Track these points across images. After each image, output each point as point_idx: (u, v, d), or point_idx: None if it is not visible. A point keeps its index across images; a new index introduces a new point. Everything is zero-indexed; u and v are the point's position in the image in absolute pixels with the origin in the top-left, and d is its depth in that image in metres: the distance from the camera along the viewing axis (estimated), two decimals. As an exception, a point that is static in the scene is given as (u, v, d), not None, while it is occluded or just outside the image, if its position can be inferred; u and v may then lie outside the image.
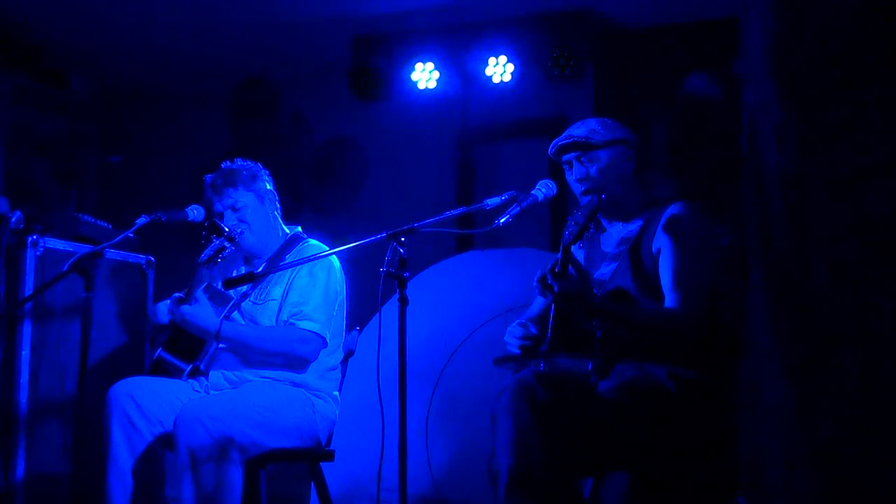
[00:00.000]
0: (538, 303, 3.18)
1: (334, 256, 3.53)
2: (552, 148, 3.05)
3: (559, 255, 2.73)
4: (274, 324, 3.49)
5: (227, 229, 3.41)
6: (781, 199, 1.31)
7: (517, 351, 2.94)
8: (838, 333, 1.22)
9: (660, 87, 5.38)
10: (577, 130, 3.01)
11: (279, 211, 3.70)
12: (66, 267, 3.24)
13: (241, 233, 3.53)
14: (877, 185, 1.22)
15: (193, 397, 3.38)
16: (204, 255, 3.37)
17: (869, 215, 1.23)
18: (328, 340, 3.47)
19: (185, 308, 3.32)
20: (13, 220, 3.69)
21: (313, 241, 3.63)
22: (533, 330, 2.92)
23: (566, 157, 3.03)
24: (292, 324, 3.42)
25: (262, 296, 3.56)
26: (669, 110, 5.37)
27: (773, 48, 1.39)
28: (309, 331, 3.41)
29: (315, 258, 3.41)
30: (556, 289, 2.65)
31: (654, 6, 5.27)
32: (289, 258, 3.54)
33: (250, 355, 3.47)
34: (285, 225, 3.73)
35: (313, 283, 3.46)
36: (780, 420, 1.31)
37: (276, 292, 3.52)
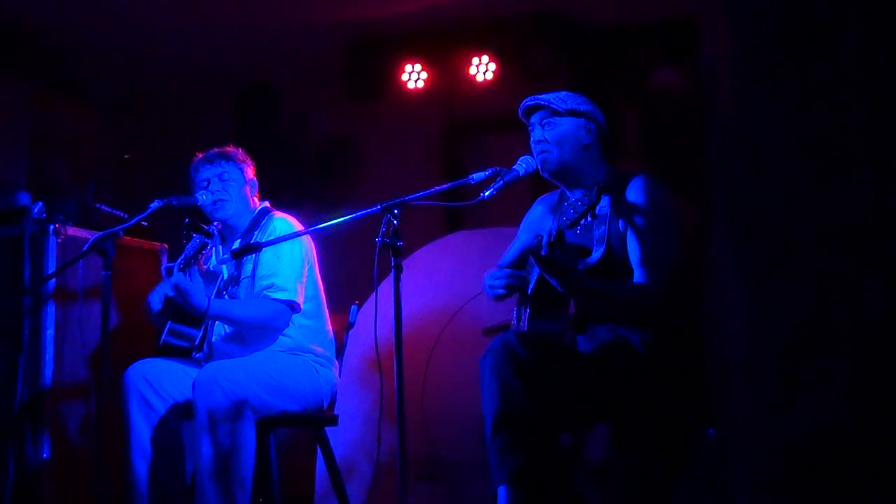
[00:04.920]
0: (512, 252, 3.21)
1: (298, 228, 3.53)
2: (521, 108, 3.04)
3: (553, 236, 2.72)
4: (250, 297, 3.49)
5: (207, 228, 3.37)
6: (736, 124, 1.32)
7: (502, 291, 2.95)
8: (791, 241, 1.23)
9: (628, 81, 5.41)
10: (546, 95, 3.00)
11: (255, 197, 3.69)
12: (85, 247, 3.23)
13: (223, 200, 3.54)
14: (823, 104, 1.24)
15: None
16: (189, 252, 3.32)
17: (817, 131, 1.24)
18: (301, 305, 3.46)
19: (181, 277, 3.27)
20: (35, 210, 3.68)
21: (278, 216, 3.61)
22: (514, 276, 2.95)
23: (531, 118, 3.02)
24: (266, 296, 3.41)
25: (238, 274, 3.56)
26: (637, 101, 5.40)
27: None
28: (281, 301, 3.40)
29: (303, 234, 3.42)
30: (547, 266, 2.64)
31: (620, 7, 5.29)
32: (258, 232, 3.53)
33: (237, 328, 3.49)
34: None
35: (278, 256, 3.44)
36: (743, 331, 1.32)
37: (247, 269, 3.52)
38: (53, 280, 3.64)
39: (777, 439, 1.25)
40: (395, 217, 2.74)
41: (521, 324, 2.96)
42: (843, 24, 1.24)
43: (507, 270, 2.98)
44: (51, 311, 3.66)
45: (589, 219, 2.71)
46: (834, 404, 1.22)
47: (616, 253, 2.85)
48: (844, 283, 1.21)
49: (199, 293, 3.29)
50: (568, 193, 3.07)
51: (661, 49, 5.35)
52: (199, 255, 3.33)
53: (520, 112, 3.05)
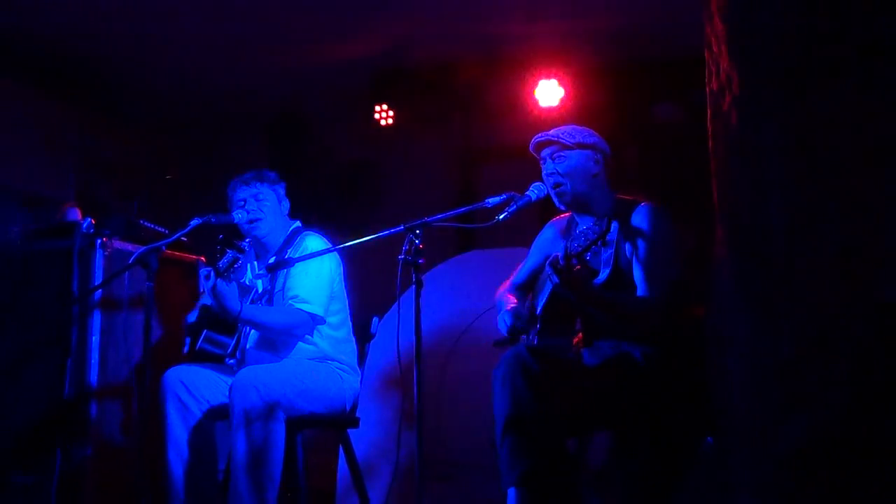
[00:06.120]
0: (524, 272, 3.22)
1: (327, 245, 3.55)
2: (532, 144, 3.05)
3: (568, 257, 2.72)
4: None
5: (239, 244, 3.38)
6: (741, 159, 1.33)
7: (506, 332, 2.97)
8: (793, 269, 1.24)
9: (630, 114, 5.43)
10: (555, 131, 3.02)
11: (287, 216, 3.71)
12: (130, 260, 3.26)
13: (258, 219, 3.56)
14: (823, 139, 1.25)
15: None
16: (222, 265, 3.31)
17: (817, 164, 1.25)
18: (327, 318, 3.47)
19: (220, 282, 3.27)
20: (84, 225, 3.71)
21: (311, 234, 3.63)
22: (521, 320, 2.95)
23: (542, 153, 3.04)
24: (290, 305, 3.42)
25: (272, 288, 3.57)
26: (638, 134, 5.41)
27: (732, 34, 1.41)
28: (304, 311, 3.41)
29: (330, 251, 3.44)
30: (564, 275, 2.65)
31: (623, 45, 5.31)
32: (290, 249, 3.55)
33: (265, 333, 3.50)
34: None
35: (306, 271, 3.44)
36: (745, 347, 1.33)
37: (279, 283, 3.53)
38: (100, 290, 3.66)
39: (777, 448, 1.25)
40: (416, 237, 2.76)
41: (531, 337, 2.97)
42: (842, 64, 1.25)
43: (513, 314, 2.97)
44: (97, 318, 3.68)
45: (599, 245, 2.72)
46: (832, 415, 1.22)
47: (622, 274, 2.87)
48: (842, 303, 1.22)
49: (234, 298, 3.30)
50: (577, 219, 3.08)
51: (662, 85, 5.37)
52: (231, 270, 3.35)
53: (531, 147, 3.07)
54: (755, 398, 1.32)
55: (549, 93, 5.37)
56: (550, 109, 5.33)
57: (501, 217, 2.83)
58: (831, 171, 1.23)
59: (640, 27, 5.04)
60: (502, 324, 3.01)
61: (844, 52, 1.24)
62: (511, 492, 2.59)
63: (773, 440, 1.27)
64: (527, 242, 3.38)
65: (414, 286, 2.76)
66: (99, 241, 3.70)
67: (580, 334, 3.00)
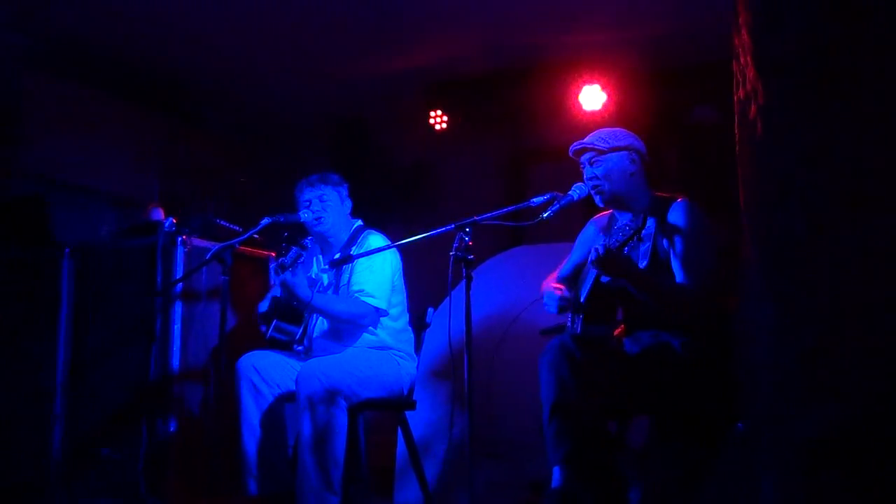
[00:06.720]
0: (568, 266, 3.21)
1: (388, 242, 3.57)
2: (570, 151, 3.06)
3: (608, 250, 2.70)
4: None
5: (303, 241, 3.42)
6: (766, 164, 1.32)
7: (555, 310, 2.95)
8: (814, 272, 1.23)
9: (668, 117, 5.36)
10: (589, 138, 3.02)
11: (350, 215, 3.74)
12: (208, 256, 3.34)
13: (322, 218, 3.58)
14: (843, 148, 1.23)
15: (303, 362, 3.45)
16: (287, 260, 3.36)
17: (839, 176, 1.24)
18: (388, 310, 3.50)
19: (288, 275, 3.32)
20: (166, 224, 3.78)
21: (373, 232, 3.66)
22: (567, 293, 2.94)
23: (581, 158, 3.04)
24: (357, 297, 3.46)
25: (337, 282, 3.61)
26: (676, 135, 5.35)
27: (757, 47, 1.40)
28: (370, 304, 3.44)
29: (390, 247, 3.47)
30: (605, 265, 2.64)
31: (661, 52, 5.25)
32: (354, 247, 3.58)
33: (332, 322, 3.53)
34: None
35: (370, 268, 3.48)
36: (771, 338, 1.32)
37: (345, 278, 3.57)
38: (181, 283, 3.73)
39: (799, 433, 1.24)
40: (466, 234, 2.78)
41: (575, 326, 2.96)
42: (862, 75, 1.23)
43: (559, 294, 2.96)
44: (178, 309, 3.74)
45: (635, 241, 2.70)
46: (850, 404, 1.21)
47: (659, 266, 2.85)
48: (859, 299, 1.21)
49: (304, 287, 3.34)
50: (617, 216, 3.07)
51: (698, 89, 5.29)
52: (295, 265, 3.40)
53: (570, 153, 3.07)
54: (779, 388, 1.31)
55: (592, 97, 5.33)
56: (594, 113, 5.29)
57: (545, 215, 2.83)
58: (851, 176, 1.22)
59: (679, 35, 4.97)
60: (549, 300, 2.99)
61: (865, 64, 1.22)
62: (556, 470, 2.61)
63: (795, 428, 1.26)
64: (571, 238, 3.37)
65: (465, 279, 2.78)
66: (180, 238, 3.77)
67: (622, 326, 2.98)
